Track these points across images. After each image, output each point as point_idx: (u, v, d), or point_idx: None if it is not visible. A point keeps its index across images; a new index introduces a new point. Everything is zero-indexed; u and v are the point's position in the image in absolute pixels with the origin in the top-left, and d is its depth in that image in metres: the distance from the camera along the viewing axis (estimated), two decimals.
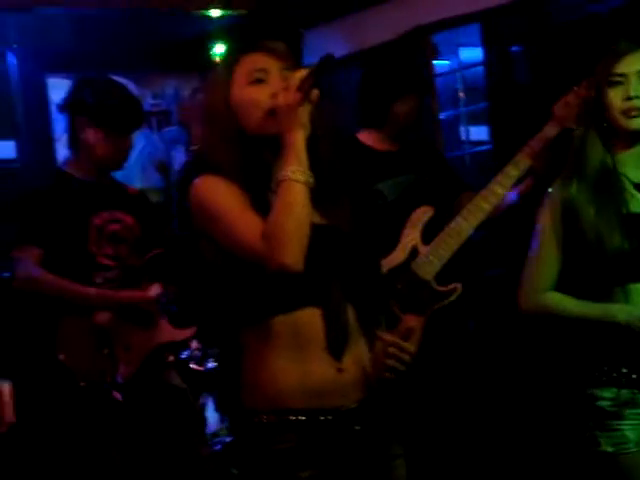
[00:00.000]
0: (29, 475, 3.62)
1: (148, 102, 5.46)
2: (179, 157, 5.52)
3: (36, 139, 4.95)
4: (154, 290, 3.37)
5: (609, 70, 2.45)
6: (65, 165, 3.46)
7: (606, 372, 2.42)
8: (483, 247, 4.01)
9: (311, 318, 2.10)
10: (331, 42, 4.77)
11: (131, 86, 4.11)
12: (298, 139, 2.03)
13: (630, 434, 2.38)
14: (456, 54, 4.90)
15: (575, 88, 2.87)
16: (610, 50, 2.50)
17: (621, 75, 2.44)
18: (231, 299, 2.16)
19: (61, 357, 3.16)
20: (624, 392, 2.40)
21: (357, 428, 2.14)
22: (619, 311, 2.41)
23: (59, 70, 4.94)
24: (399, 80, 3.34)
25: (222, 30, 4.89)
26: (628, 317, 2.39)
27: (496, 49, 4.38)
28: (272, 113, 2.09)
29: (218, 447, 4.15)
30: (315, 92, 2.03)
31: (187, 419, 3.44)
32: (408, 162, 3.40)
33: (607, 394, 2.41)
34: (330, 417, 2.11)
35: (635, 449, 2.38)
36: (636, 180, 2.48)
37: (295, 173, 2.01)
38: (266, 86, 2.12)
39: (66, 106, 3.38)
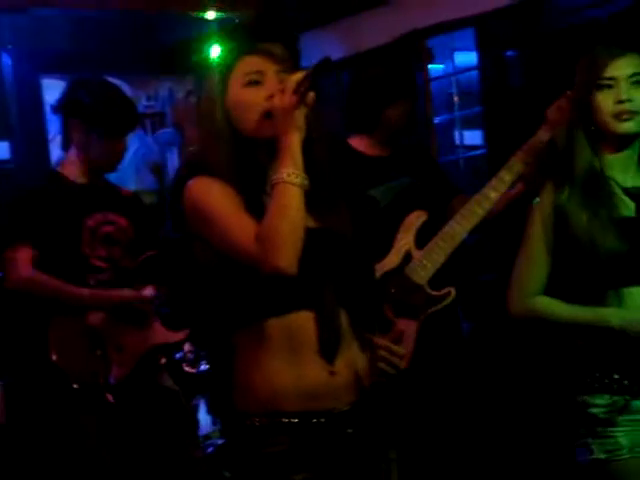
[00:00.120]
0: (20, 476, 3.61)
1: (142, 104, 5.45)
2: (173, 159, 5.51)
3: (30, 140, 4.94)
4: (147, 292, 3.36)
5: (599, 74, 2.45)
6: (59, 166, 3.45)
7: (598, 378, 2.41)
8: (477, 251, 4.02)
9: (304, 321, 2.11)
10: (327, 45, 4.77)
11: (125, 88, 4.12)
12: (294, 142, 2.03)
13: (623, 440, 2.38)
14: (451, 58, 4.90)
15: (568, 92, 2.87)
16: (591, 53, 2.51)
17: (611, 79, 2.45)
18: (224, 301, 2.16)
19: (53, 358, 3.15)
20: (616, 398, 2.40)
21: (349, 431, 2.14)
22: (612, 315, 2.40)
23: (54, 71, 4.93)
24: (389, 85, 3.34)
25: (218, 32, 4.89)
26: (622, 321, 2.38)
27: (491, 53, 4.38)
28: (268, 115, 2.09)
29: (210, 450, 4.15)
30: (311, 95, 2.04)
31: (179, 421, 3.44)
32: (400, 167, 3.40)
33: (599, 401, 2.40)
34: (323, 420, 2.11)
35: (628, 455, 2.37)
36: (624, 184, 2.48)
37: (290, 176, 2.01)
38: (262, 88, 2.13)
39: (60, 107, 3.38)
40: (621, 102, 2.43)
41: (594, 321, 2.42)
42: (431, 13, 4.52)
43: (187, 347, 4.28)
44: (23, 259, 3.20)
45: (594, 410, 2.40)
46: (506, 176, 3.11)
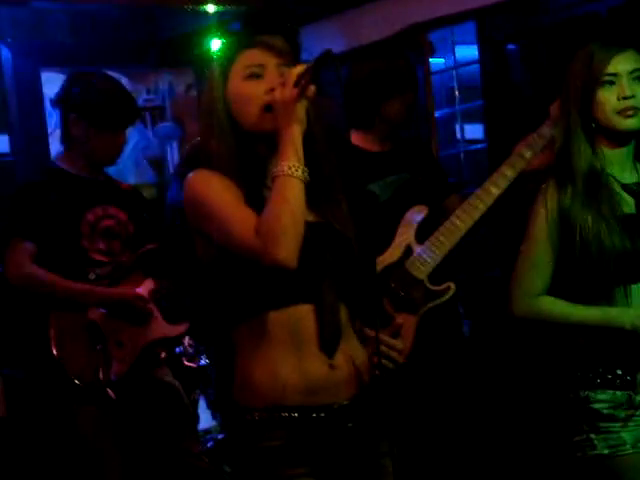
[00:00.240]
0: (20, 470, 3.61)
1: (142, 97, 5.44)
2: (173, 153, 5.51)
3: (30, 134, 4.93)
4: (147, 286, 3.36)
5: (602, 70, 2.44)
6: (58, 160, 3.44)
7: (601, 374, 2.41)
8: (481, 247, 4.01)
9: (304, 315, 2.11)
10: (327, 38, 4.76)
11: (125, 81, 4.11)
12: (294, 135, 2.02)
13: (626, 436, 2.37)
14: (452, 52, 4.89)
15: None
16: (587, 50, 2.49)
17: (613, 75, 2.44)
18: (224, 295, 2.15)
19: (54, 352, 3.15)
20: (619, 394, 2.39)
21: (349, 425, 2.14)
22: (623, 315, 2.38)
23: (54, 64, 4.92)
24: (388, 80, 3.32)
25: (218, 25, 4.88)
26: (634, 320, 2.38)
27: (492, 47, 4.38)
28: (268, 109, 2.08)
29: (210, 444, 4.15)
30: (312, 88, 2.03)
31: (179, 416, 3.43)
32: (400, 162, 3.39)
33: (602, 396, 2.40)
34: (323, 414, 2.11)
35: (631, 451, 2.37)
36: (622, 180, 2.48)
37: (291, 169, 2.01)
38: (262, 82, 2.12)
39: (58, 101, 3.37)
40: (625, 98, 2.42)
41: (604, 322, 2.40)
42: (432, 6, 4.50)
43: (187, 341, 4.29)
44: (23, 255, 3.19)
45: (597, 405, 2.40)
46: (508, 171, 3.10)
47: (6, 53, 4.87)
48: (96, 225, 3.31)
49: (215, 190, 2.08)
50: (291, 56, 2.18)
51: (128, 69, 5.10)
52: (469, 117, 4.90)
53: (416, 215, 3.22)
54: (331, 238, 2.14)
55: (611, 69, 2.43)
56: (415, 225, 3.19)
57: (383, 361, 2.14)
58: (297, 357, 2.10)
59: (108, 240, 3.33)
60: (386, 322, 2.28)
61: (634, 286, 2.40)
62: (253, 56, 2.15)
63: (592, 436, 2.40)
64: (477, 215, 3.13)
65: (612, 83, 2.43)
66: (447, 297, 3.14)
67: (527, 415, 3.79)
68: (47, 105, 4.78)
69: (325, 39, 4.75)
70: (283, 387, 2.09)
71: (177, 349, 4.25)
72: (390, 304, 3.07)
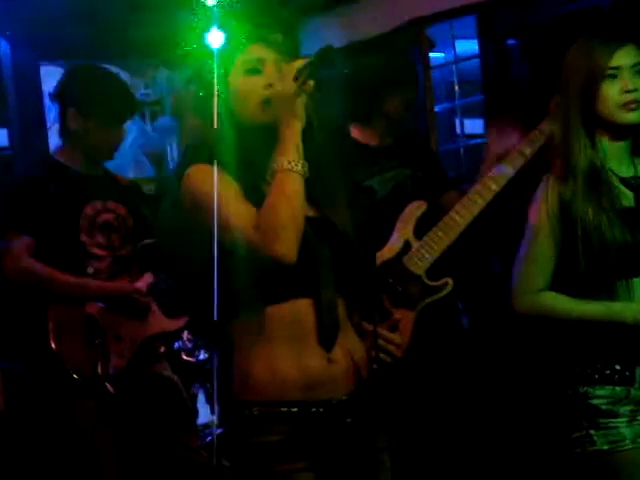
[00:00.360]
0: (19, 464, 3.61)
1: (141, 92, 5.43)
2: (172, 148, 5.50)
3: (29, 127, 4.92)
4: (145, 280, 3.36)
5: (605, 64, 2.43)
6: (56, 154, 3.44)
7: (599, 370, 2.41)
8: (481, 242, 4.01)
9: (302, 309, 2.11)
10: (327, 33, 4.75)
11: (124, 76, 4.10)
12: (294, 130, 2.03)
13: (625, 431, 2.37)
14: (452, 46, 4.88)
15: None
16: (587, 44, 2.48)
17: (616, 68, 2.43)
18: (223, 289, 2.15)
19: (53, 346, 3.15)
20: (618, 389, 2.39)
21: (348, 420, 2.14)
22: (626, 310, 2.38)
23: (52, 58, 4.92)
24: (387, 75, 3.32)
25: (218, 20, 4.87)
26: (637, 315, 2.37)
27: (492, 42, 4.37)
28: (267, 103, 2.09)
29: (209, 439, 4.15)
30: (311, 83, 2.03)
31: (178, 410, 3.43)
32: (399, 157, 3.39)
33: (601, 392, 2.40)
34: (321, 409, 2.11)
35: (631, 446, 2.37)
36: (620, 174, 2.47)
37: (291, 163, 2.02)
38: (262, 76, 2.12)
39: (56, 96, 3.37)
40: (628, 92, 2.41)
41: (607, 317, 2.40)
42: (432, 1, 4.49)
43: (186, 336, 4.29)
44: (21, 249, 3.19)
45: (596, 401, 2.40)
46: (507, 167, 3.10)
47: (5, 47, 4.86)
48: (95, 219, 3.30)
49: (214, 185, 2.08)
50: (290, 51, 2.18)
51: (127, 63, 5.09)
52: (469, 112, 4.90)
53: (415, 211, 3.22)
54: (330, 233, 2.14)
55: (614, 63, 2.43)
56: (414, 220, 3.19)
57: (381, 355, 2.15)
58: (296, 352, 2.10)
59: (107, 234, 3.32)
60: (384, 317, 2.28)
61: (636, 280, 2.40)
62: (252, 51, 2.16)
63: (591, 432, 2.39)
64: (476, 211, 3.13)
65: (614, 77, 2.43)
66: (445, 292, 3.14)
67: (526, 411, 3.79)
68: (46, 99, 4.77)
69: (325, 34, 4.75)
70: (282, 382, 2.09)
71: (176, 343, 4.25)
72: (388, 299, 3.07)
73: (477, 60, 4.58)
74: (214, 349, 3.99)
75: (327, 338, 2.12)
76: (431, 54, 4.82)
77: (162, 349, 3.49)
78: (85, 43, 4.92)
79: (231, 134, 2.13)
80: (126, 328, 3.27)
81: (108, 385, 3.17)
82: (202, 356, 4.32)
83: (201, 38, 4.84)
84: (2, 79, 4.84)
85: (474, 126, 4.88)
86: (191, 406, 3.79)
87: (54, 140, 4.33)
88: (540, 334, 2.70)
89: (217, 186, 2.08)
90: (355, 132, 3.39)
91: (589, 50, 2.46)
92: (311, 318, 2.11)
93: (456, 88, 4.91)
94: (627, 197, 2.45)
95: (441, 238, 3.14)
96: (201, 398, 4.36)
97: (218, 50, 2.22)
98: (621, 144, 2.48)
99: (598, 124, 2.46)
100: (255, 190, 2.10)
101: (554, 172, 2.48)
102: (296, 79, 2.01)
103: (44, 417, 3.29)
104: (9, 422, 3.63)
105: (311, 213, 2.12)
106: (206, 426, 4.25)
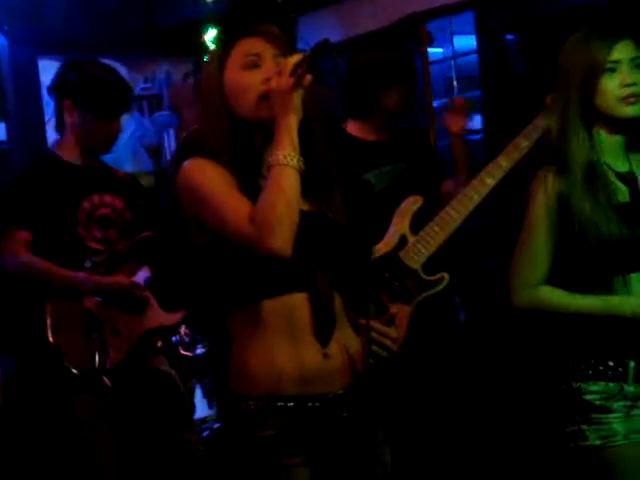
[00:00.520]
0: (16, 458, 3.61)
1: (139, 86, 5.44)
2: (170, 141, 5.51)
3: (27, 121, 4.93)
4: (143, 274, 3.36)
5: (604, 57, 2.43)
6: (54, 148, 3.44)
7: (592, 365, 2.41)
8: (478, 237, 4.01)
9: (298, 303, 2.11)
10: (325, 28, 4.75)
11: (122, 70, 4.10)
12: (290, 124, 2.03)
13: (618, 427, 2.37)
14: (450, 42, 4.88)
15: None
16: (584, 38, 2.48)
17: (615, 62, 2.43)
18: (219, 283, 2.15)
19: (51, 340, 3.15)
20: (611, 385, 2.39)
21: (344, 415, 2.14)
22: (624, 304, 2.38)
23: (50, 52, 4.91)
24: (385, 70, 3.32)
25: (215, 14, 4.87)
26: (635, 308, 2.37)
27: (490, 37, 4.37)
28: (264, 98, 2.09)
29: (206, 433, 4.15)
30: (308, 77, 2.03)
31: (175, 405, 3.43)
32: (397, 152, 3.39)
33: (594, 388, 2.39)
34: (318, 404, 2.11)
35: (623, 442, 2.36)
36: (615, 168, 2.47)
37: (287, 157, 2.01)
38: (259, 71, 2.12)
39: (53, 89, 3.37)
40: (627, 85, 2.41)
41: (605, 311, 2.40)
42: None
43: (183, 330, 4.29)
44: (18, 243, 3.19)
45: (589, 397, 2.40)
46: (503, 162, 3.10)
47: (3, 41, 4.86)
48: (92, 213, 3.30)
49: (210, 178, 2.08)
50: (288, 46, 2.18)
51: (125, 57, 5.09)
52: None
53: (411, 205, 3.22)
54: (325, 227, 2.15)
55: (613, 56, 2.43)
56: (410, 215, 3.19)
57: (377, 349, 2.15)
58: (292, 346, 2.10)
59: (104, 228, 3.32)
60: (380, 312, 2.29)
61: (633, 275, 2.39)
62: (250, 45, 2.15)
63: (584, 427, 2.39)
64: (472, 206, 3.13)
65: (613, 70, 2.42)
66: (441, 287, 3.15)
67: (521, 405, 3.79)
68: (44, 93, 4.77)
69: (323, 29, 4.74)
70: (279, 376, 2.09)
71: (173, 338, 4.25)
72: (384, 294, 3.07)
73: (475, 55, 4.58)
74: (211, 342, 4.00)
75: (323, 333, 2.12)
76: (429, 49, 4.81)
77: (159, 343, 3.49)
78: (83, 37, 4.92)
79: (228, 128, 2.13)
80: (124, 322, 3.27)
81: (105, 379, 3.17)
82: (199, 350, 4.33)
83: (200, 32, 4.84)
84: (0, 73, 4.84)
85: (472, 121, 4.87)
86: (188, 400, 3.80)
87: (52, 134, 4.33)
88: (535, 330, 2.70)
89: (213, 180, 2.08)
90: (353, 126, 3.39)
91: (588, 44, 2.46)
92: (307, 312, 2.11)
93: (454, 83, 4.91)
94: (623, 192, 2.45)
95: (437, 233, 3.14)
96: (198, 393, 4.37)
97: (216, 44, 2.22)
98: (617, 138, 2.48)
99: (596, 118, 2.45)
100: (251, 184, 2.09)
101: (551, 166, 2.48)
102: (293, 73, 2.01)
103: (42, 411, 3.29)
104: (7, 416, 3.63)
105: (307, 207, 2.12)
106: (203, 420, 4.26)
